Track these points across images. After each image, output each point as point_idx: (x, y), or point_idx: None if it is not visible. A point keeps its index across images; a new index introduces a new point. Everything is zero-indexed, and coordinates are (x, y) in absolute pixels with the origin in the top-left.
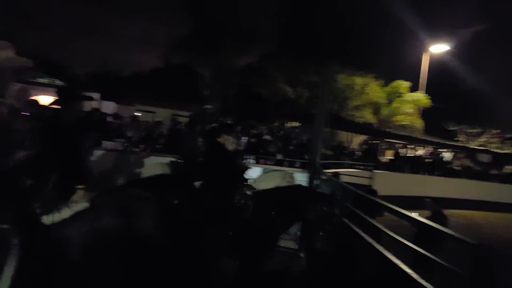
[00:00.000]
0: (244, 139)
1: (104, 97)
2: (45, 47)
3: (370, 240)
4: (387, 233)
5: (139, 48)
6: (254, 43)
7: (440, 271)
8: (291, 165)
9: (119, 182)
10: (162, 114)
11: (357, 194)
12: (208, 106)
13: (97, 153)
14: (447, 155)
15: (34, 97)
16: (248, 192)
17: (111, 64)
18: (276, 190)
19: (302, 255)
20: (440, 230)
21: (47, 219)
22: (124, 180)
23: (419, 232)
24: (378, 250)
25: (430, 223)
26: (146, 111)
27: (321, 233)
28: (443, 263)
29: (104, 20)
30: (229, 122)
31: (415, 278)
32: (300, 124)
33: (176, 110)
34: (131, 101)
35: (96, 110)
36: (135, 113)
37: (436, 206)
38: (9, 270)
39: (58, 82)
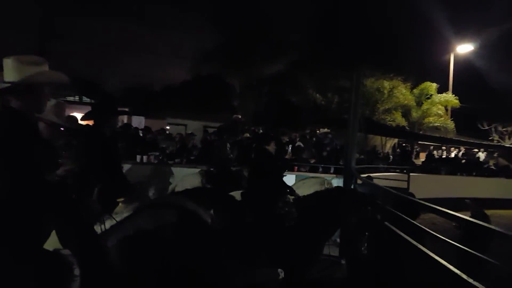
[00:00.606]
0: (288, 148)
1: (134, 112)
2: (74, 64)
3: (414, 242)
4: (432, 235)
5: (168, 62)
6: (283, 51)
7: (490, 271)
8: (326, 171)
9: (156, 194)
10: (193, 126)
11: (398, 197)
12: (239, 116)
13: (132, 166)
14: (482, 155)
15: (71, 113)
16: (291, 199)
17: (141, 79)
18: (316, 194)
19: (343, 262)
20: (489, 229)
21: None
22: (161, 192)
23: (465, 233)
24: (424, 252)
25: (480, 222)
26: (177, 124)
27: (363, 238)
28: (497, 263)
29: (133, 36)
30: (260, 131)
31: (467, 280)
32: (332, 129)
33: (207, 122)
34: (162, 115)
35: (128, 124)
36: (166, 126)
37: (477, 207)
38: None
39: (86, 99)
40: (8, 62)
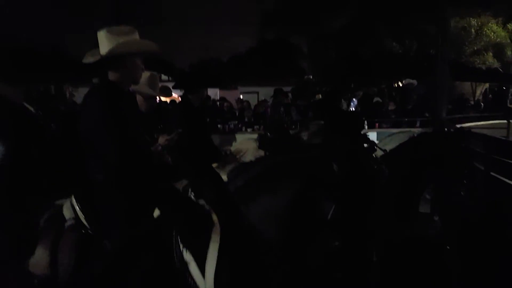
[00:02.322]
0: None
1: (209, 84)
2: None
3: None
4: None
5: (234, 31)
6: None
7: None
8: (411, 125)
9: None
10: (265, 92)
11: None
12: (310, 76)
13: (216, 135)
14: None
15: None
16: (378, 156)
17: (209, 51)
18: (402, 146)
19: (436, 218)
20: None
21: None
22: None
23: None
24: None
25: None
26: (250, 92)
27: (459, 187)
28: None
29: (197, 9)
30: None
31: None
32: (413, 80)
33: (279, 86)
34: (234, 84)
35: (208, 96)
36: (240, 95)
37: None
38: None
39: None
40: (100, 35)
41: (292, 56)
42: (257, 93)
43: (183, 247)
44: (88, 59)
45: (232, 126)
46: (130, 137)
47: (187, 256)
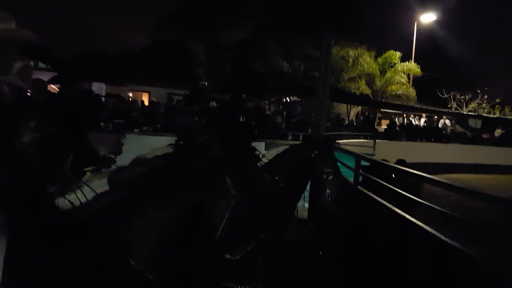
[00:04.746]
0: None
1: (93, 79)
2: (27, 28)
3: (388, 205)
4: (405, 197)
5: (127, 27)
6: (247, 17)
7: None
8: (295, 138)
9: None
10: (157, 93)
11: (372, 162)
12: (205, 83)
13: (97, 135)
14: (446, 121)
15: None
16: (261, 165)
17: (99, 45)
18: (276, 157)
19: (311, 225)
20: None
21: (63, 201)
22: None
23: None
24: (396, 213)
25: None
26: (140, 91)
27: (328, 195)
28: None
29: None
30: (226, 98)
31: (444, 239)
32: (299, 97)
33: (171, 89)
34: (123, 82)
35: (90, 91)
36: (129, 94)
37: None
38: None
39: (42, 65)
40: None
41: (187, 61)
42: (149, 92)
43: None
44: None
45: (117, 124)
46: None
47: None
